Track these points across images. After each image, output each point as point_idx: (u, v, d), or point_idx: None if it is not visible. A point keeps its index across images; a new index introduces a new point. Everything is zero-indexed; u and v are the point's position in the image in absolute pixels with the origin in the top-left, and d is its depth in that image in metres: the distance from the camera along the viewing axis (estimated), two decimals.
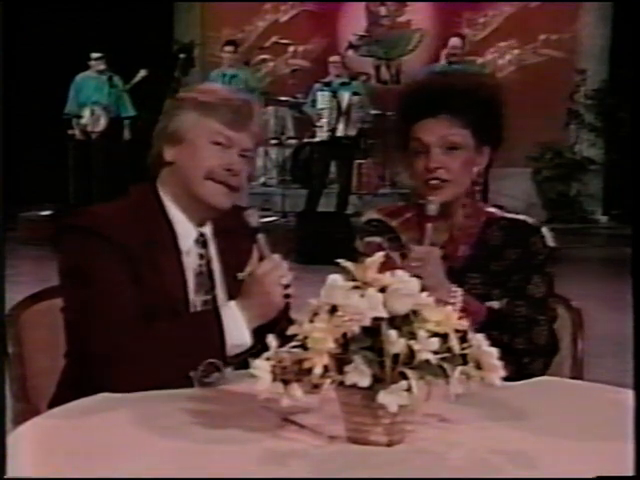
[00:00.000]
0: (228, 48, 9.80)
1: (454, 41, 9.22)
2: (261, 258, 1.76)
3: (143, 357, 1.65)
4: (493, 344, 1.37)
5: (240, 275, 1.78)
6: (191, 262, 1.81)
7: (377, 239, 2.01)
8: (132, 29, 9.87)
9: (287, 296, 1.73)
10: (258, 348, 1.64)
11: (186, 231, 1.82)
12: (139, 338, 1.67)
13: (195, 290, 1.81)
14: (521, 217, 2.02)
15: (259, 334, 1.69)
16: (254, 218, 1.79)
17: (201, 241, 1.84)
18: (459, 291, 1.86)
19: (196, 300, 1.80)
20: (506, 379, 1.38)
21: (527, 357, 1.89)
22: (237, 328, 1.70)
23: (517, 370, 1.80)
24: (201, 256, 1.83)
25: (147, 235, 1.75)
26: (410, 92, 2.02)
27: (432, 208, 1.90)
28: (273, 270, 1.72)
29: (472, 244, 1.98)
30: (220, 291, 1.84)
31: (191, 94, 1.86)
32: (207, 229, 1.85)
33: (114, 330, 1.66)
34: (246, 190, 8.58)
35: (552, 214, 9.85)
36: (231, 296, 1.79)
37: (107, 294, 1.69)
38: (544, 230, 2.00)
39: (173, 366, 1.68)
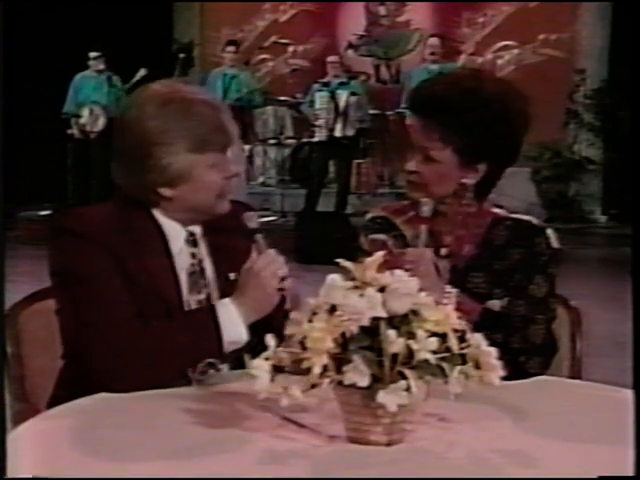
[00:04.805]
0: (230, 48, 9.82)
1: (432, 41, 9.30)
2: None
3: (140, 357, 1.65)
4: (491, 344, 1.37)
5: (232, 275, 1.78)
6: (183, 262, 1.81)
7: (381, 236, 2.01)
8: (132, 29, 9.87)
9: (283, 290, 1.73)
10: (254, 342, 1.65)
11: (175, 231, 1.80)
12: (135, 338, 1.66)
13: (189, 290, 1.81)
14: (526, 217, 2.02)
15: (255, 328, 1.69)
16: (253, 221, 1.79)
17: (191, 240, 1.83)
18: (453, 292, 1.86)
19: (190, 300, 1.80)
20: (505, 378, 1.38)
21: (523, 356, 1.89)
22: (233, 325, 1.70)
23: (515, 370, 1.80)
24: (193, 255, 1.82)
25: (135, 237, 1.74)
26: (411, 93, 2.02)
27: (425, 210, 1.91)
28: (269, 265, 1.72)
29: (477, 243, 1.99)
30: (214, 289, 1.84)
31: (179, 133, 1.73)
32: (196, 227, 1.84)
33: (107, 331, 1.66)
34: (245, 189, 8.60)
35: (551, 214, 9.85)
36: (224, 294, 1.78)
37: (94, 295, 1.68)
38: (549, 231, 2.00)
39: (170, 365, 1.68)
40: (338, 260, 1.40)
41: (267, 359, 1.36)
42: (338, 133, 9.21)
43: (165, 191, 1.76)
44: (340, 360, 1.32)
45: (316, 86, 9.42)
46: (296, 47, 11.53)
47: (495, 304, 1.93)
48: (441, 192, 1.95)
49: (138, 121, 1.74)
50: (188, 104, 1.75)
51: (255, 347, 1.52)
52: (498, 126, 1.90)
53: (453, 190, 1.95)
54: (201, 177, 1.76)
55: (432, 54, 9.19)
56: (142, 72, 9.25)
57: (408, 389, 1.29)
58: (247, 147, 9.98)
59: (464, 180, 1.94)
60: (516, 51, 11.25)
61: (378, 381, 1.30)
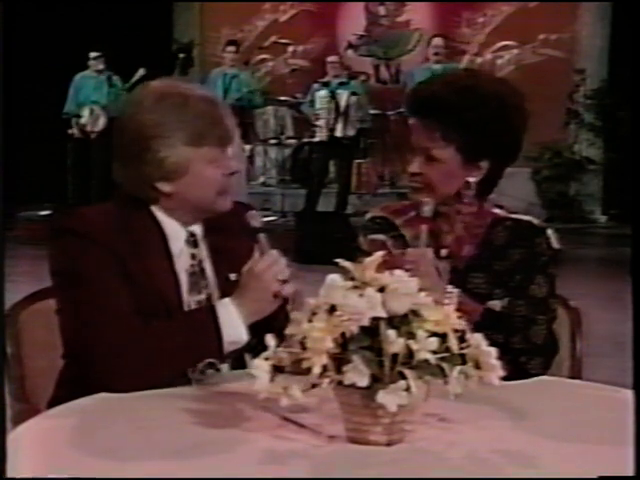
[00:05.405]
0: (230, 48, 9.83)
1: (436, 41, 9.30)
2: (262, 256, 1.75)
3: (140, 357, 1.65)
4: (491, 344, 1.37)
5: (232, 276, 1.78)
6: (183, 263, 1.81)
7: (381, 236, 2.01)
8: (132, 29, 9.87)
9: (281, 295, 1.73)
10: (254, 342, 1.65)
11: (176, 232, 1.80)
12: (135, 338, 1.66)
13: (189, 290, 1.80)
14: (526, 218, 2.02)
15: (255, 328, 1.69)
16: (256, 220, 1.79)
17: (192, 241, 1.83)
18: (455, 292, 1.86)
19: (190, 300, 1.80)
20: (506, 378, 1.38)
21: (524, 356, 1.89)
22: (233, 325, 1.70)
23: (516, 370, 1.80)
24: (193, 256, 1.82)
25: (135, 237, 1.74)
26: (409, 94, 2.02)
27: (426, 210, 1.91)
28: (272, 266, 1.72)
29: (477, 244, 1.99)
30: (214, 290, 1.84)
31: (176, 125, 1.73)
32: (197, 228, 1.84)
33: (108, 331, 1.66)
34: (245, 189, 8.60)
35: (551, 214, 9.85)
36: (225, 295, 1.78)
37: (94, 295, 1.68)
38: (549, 231, 2.00)
39: (170, 365, 1.68)
40: (338, 260, 1.40)
41: (267, 359, 1.36)
42: (339, 133, 9.21)
43: (163, 186, 1.76)
44: (340, 360, 1.32)
45: (316, 86, 9.42)
46: (296, 47, 11.53)
47: (496, 304, 1.93)
48: (446, 192, 1.95)
49: (135, 116, 1.76)
50: (185, 98, 1.76)
51: (255, 347, 1.51)
52: (497, 123, 1.91)
53: (457, 189, 1.95)
54: (199, 172, 1.76)
55: (436, 54, 9.19)
56: (141, 72, 9.26)
57: (408, 389, 1.29)
58: (248, 147, 9.98)
59: (468, 178, 1.94)
60: (516, 51, 11.26)
61: (378, 381, 1.30)
